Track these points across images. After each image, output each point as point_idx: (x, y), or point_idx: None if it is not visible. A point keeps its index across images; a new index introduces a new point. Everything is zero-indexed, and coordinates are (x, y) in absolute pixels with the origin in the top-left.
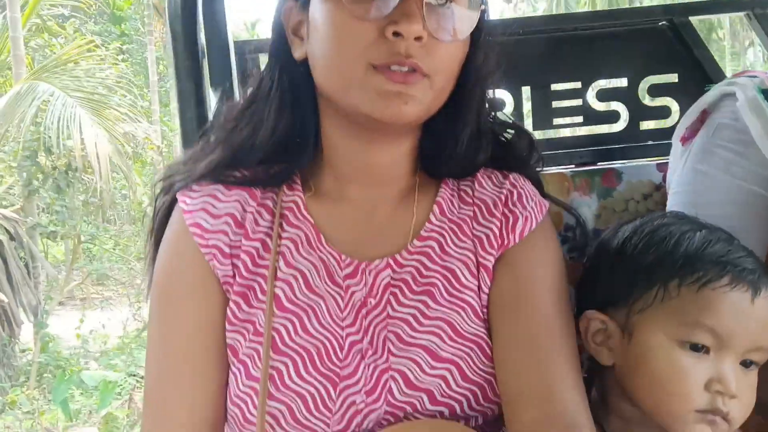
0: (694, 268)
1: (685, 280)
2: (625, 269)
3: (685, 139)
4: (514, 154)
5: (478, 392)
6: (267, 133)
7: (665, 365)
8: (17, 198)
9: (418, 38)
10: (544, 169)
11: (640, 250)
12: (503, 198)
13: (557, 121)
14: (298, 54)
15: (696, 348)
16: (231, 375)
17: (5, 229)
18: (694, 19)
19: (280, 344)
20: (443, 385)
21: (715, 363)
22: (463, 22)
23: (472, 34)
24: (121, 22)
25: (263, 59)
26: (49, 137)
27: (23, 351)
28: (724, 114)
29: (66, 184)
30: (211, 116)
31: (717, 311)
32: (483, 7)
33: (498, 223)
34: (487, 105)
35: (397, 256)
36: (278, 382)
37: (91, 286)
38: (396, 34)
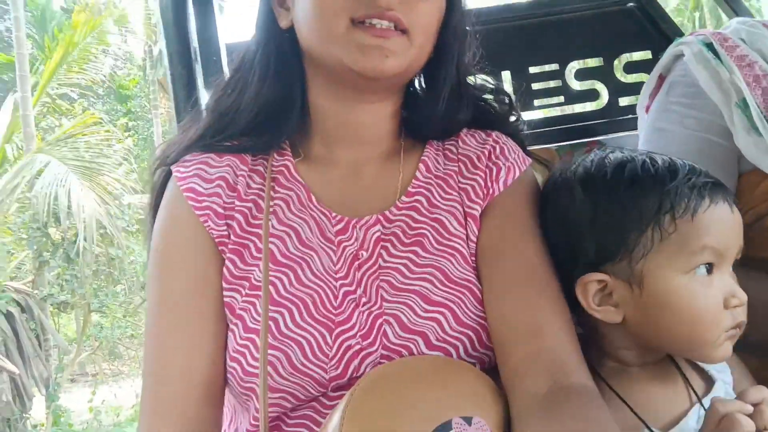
0: (679, 198)
1: (677, 213)
2: (608, 222)
3: (648, 108)
4: (494, 114)
5: (473, 336)
6: (251, 96)
7: (691, 301)
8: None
9: None
10: (531, 146)
11: (614, 200)
12: (486, 152)
13: (538, 102)
14: (284, 23)
15: (702, 271)
16: (229, 332)
17: (16, 301)
18: None
19: (275, 295)
20: (437, 328)
21: (720, 279)
22: None
23: None
24: (127, 101)
25: None
26: (49, 205)
27: (35, 427)
28: (676, 73)
29: (75, 253)
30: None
31: (714, 230)
32: None
33: (483, 174)
34: (465, 66)
35: (387, 212)
36: (275, 331)
37: (102, 362)
38: None
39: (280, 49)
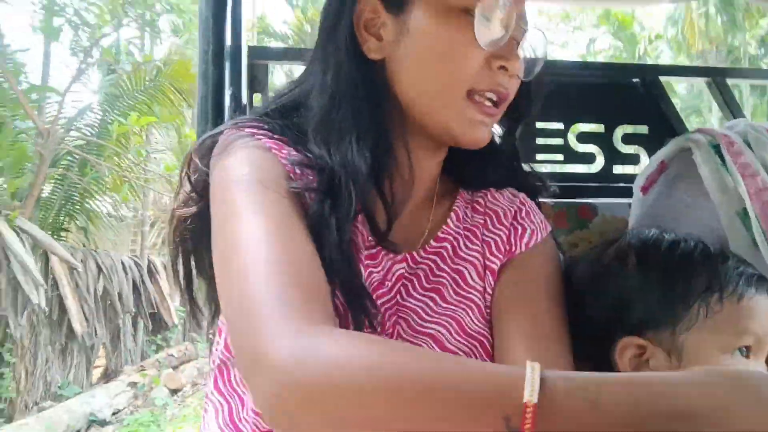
0: (728, 281)
1: (725, 294)
2: (658, 292)
3: (645, 189)
4: (526, 183)
5: None
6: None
7: None
8: None
9: (513, 75)
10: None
11: (666, 273)
12: (513, 211)
13: (540, 156)
14: (376, 54)
15: (742, 352)
16: None
17: None
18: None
19: None
20: None
21: (756, 365)
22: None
23: None
24: None
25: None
26: None
27: None
28: (683, 167)
29: None
30: (226, 116)
31: (757, 317)
32: None
33: (506, 231)
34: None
35: (414, 254)
36: None
37: None
38: (502, 67)
39: (367, 79)
